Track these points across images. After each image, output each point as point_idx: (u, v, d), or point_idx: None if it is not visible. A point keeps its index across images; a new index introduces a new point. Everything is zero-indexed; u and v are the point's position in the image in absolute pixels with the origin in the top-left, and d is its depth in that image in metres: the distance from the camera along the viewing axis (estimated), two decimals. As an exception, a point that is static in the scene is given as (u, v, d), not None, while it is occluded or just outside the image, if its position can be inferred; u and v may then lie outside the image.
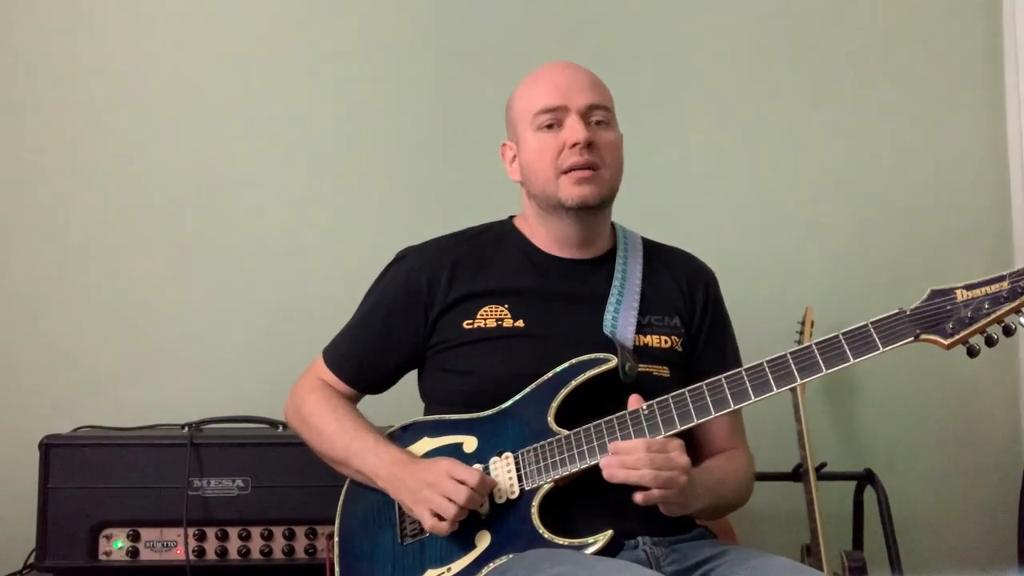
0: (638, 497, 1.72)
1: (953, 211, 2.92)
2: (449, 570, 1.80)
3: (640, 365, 1.87)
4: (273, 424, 2.47)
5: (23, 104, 2.83)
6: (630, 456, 1.71)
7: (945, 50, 2.96)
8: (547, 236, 2.00)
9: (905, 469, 2.83)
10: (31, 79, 2.83)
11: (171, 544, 2.29)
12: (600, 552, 1.71)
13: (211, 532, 2.30)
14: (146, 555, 2.29)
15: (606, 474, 1.72)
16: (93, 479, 2.29)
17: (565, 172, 1.91)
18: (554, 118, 1.92)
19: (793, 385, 1.73)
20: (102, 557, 2.28)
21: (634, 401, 1.79)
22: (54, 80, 2.83)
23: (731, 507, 2.00)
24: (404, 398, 2.09)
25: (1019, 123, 2.87)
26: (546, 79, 1.96)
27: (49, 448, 2.29)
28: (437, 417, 1.95)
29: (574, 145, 1.89)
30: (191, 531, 2.28)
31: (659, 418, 1.77)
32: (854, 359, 1.69)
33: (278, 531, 2.31)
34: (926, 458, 2.88)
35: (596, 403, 1.81)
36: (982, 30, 2.95)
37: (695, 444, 1.96)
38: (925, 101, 2.95)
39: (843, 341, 1.70)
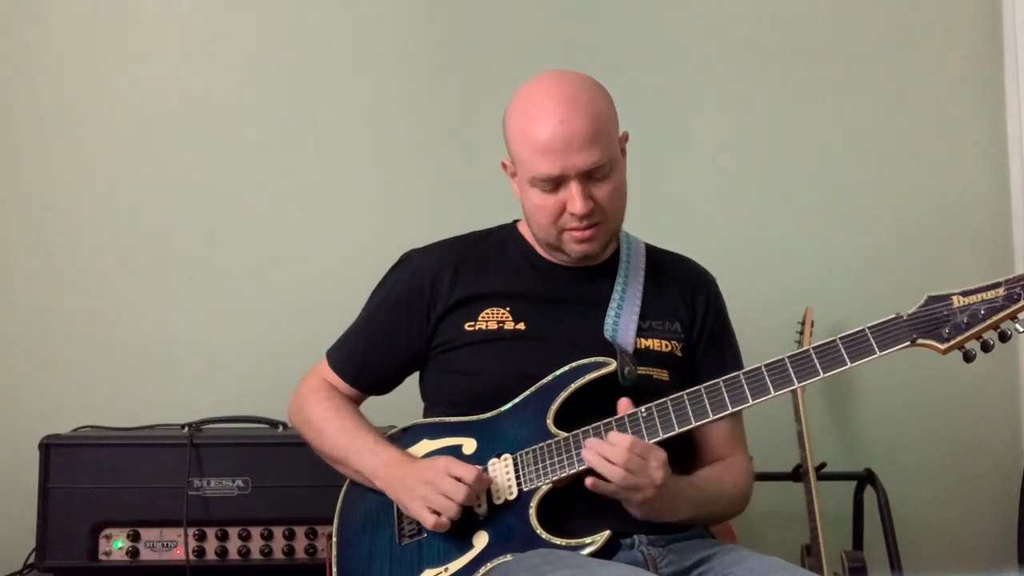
0: (588, 481, 1.73)
1: (953, 211, 2.92)
2: (447, 570, 1.80)
3: (640, 368, 1.87)
4: (273, 424, 2.47)
5: (24, 103, 2.83)
6: (611, 447, 1.72)
7: (945, 50, 2.96)
8: (549, 251, 2.00)
9: (905, 469, 2.83)
10: (32, 79, 2.83)
11: (171, 544, 2.29)
12: (597, 552, 1.72)
13: (211, 532, 2.30)
14: (146, 555, 2.29)
15: (583, 454, 1.74)
16: (93, 479, 2.29)
17: (568, 230, 1.90)
18: (555, 183, 1.86)
19: (791, 389, 1.74)
20: (102, 557, 2.28)
21: (623, 405, 1.79)
22: (54, 79, 2.84)
23: (722, 518, 2.00)
24: (405, 398, 2.09)
25: (1019, 123, 2.87)
26: (541, 135, 1.82)
27: (49, 448, 2.29)
28: (437, 419, 1.95)
29: (574, 214, 1.86)
30: (191, 531, 2.28)
31: (657, 421, 1.77)
32: (851, 363, 1.71)
33: (278, 531, 2.31)
34: (926, 458, 2.88)
35: (596, 406, 1.81)
36: (982, 30, 2.95)
37: (694, 448, 1.96)
38: (925, 101, 2.95)
39: (840, 345, 1.71)
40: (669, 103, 2.91)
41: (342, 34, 2.91)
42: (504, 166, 2.01)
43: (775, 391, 1.73)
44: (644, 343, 1.92)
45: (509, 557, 1.75)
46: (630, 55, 2.89)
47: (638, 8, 2.94)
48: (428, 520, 1.79)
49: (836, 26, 2.97)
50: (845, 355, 1.71)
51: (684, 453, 1.91)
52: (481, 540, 1.80)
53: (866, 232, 2.92)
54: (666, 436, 1.76)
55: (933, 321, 1.69)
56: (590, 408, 1.81)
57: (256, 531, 2.31)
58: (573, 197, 1.84)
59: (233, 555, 2.30)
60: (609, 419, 1.79)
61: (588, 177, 1.85)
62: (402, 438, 1.96)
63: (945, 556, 2.85)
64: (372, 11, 2.91)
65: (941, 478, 2.89)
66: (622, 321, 1.92)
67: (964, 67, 2.96)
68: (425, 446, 1.92)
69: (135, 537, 2.29)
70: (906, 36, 2.97)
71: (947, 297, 1.70)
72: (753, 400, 1.74)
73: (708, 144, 2.94)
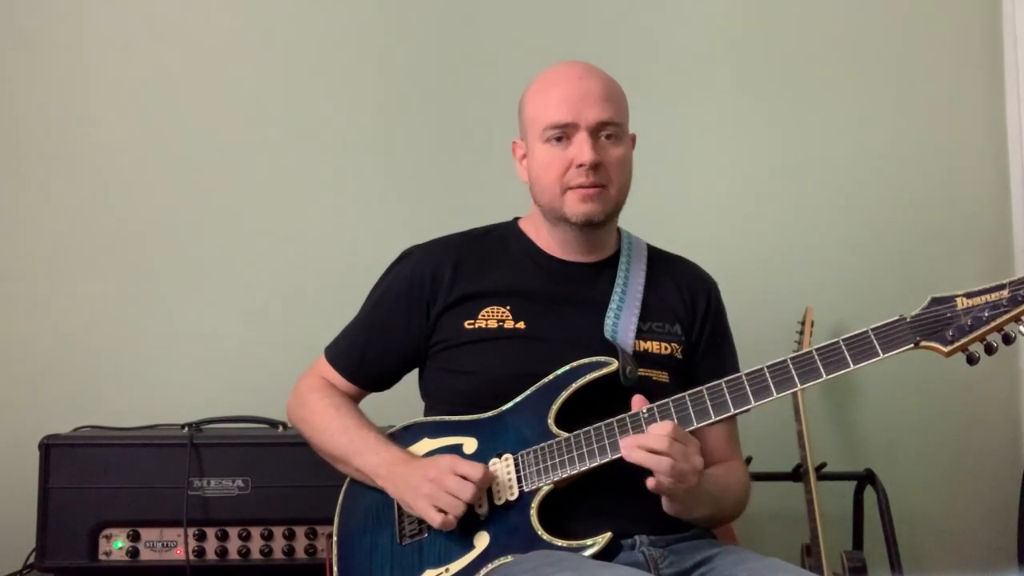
0: (651, 483, 1.71)
1: (953, 211, 2.92)
2: (447, 570, 1.80)
3: (640, 369, 1.87)
4: (273, 424, 2.47)
5: (27, 101, 2.83)
6: (653, 437, 1.70)
7: (945, 50, 2.96)
8: (552, 240, 2.00)
9: (905, 469, 2.83)
10: (35, 78, 2.83)
11: (171, 544, 2.29)
12: (598, 553, 1.72)
13: (211, 532, 2.30)
14: (146, 555, 2.29)
15: (624, 452, 1.72)
16: (93, 479, 2.29)
17: (572, 188, 1.90)
18: (563, 133, 1.90)
19: (793, 390, 1.74)
20: (102, 557, 2.28)
21: (637, 402, 1.78)
22: (58, 79, 2.83)
23: (728, 519, 2.00)
24: (405, 398, 2.09)
25: (1019, 123, 2.87)
26: (558, 89, 1.92)
27: (49, 448, 2.29)
28: (438, 418, 1.95)
29: (580, 165, 1.89)
30: (191, 531, 2.28)
31: (658, 421, 1.76)
32: (854, 365, 1.70)
33: (278, 531, 2.31)
34: (926, 458, 2.88)
35: (596, 406, 1.81)
36: (982, 29, 2.95)
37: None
38: (925, 100, 2.95)
39: (843, 347, 1.71)
40: (669, 104, 2.90)
41: (345, 34, 2.90)
42: (514, 148, 2.01)
43: (778, 393, 1.73)
44: (643, 345, 1.92)
45: (510, 558, 1.75)
46: (631, 55, 2.89)
47: (639, 9, 2.94)
48: (435, 519, 1.78)
49: (836, 26, 2.97)
50: (848, 357, 1.70)
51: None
52: (482, 540, 1.80)
53: (866, 232, 2.92)
54: None
55: (937, 323, 1.68)
56: (591, 407, 1.81)
57: (256, 531, 2.31)
58: (581, 146, 1.88)
59: (233, 555, 2.30)
60: (611, 419, 1.78)
61: (597, 135, 1.89)
62: (403, 437, 1.96)
63: (945, 556, 2.85)
64: (376, 10, 2.91)
65: (941, 478, 2.89)
66: (622, 321, 1.92)
67: (964, 67, 2.96)
68: (425, 445, 1.92)
69: (135, 537, 2.29)
70: (906, 37, 2.97)
71: (951, 299, 1.69)
72: (756, 401, 1.74)
73: (709, 144, 2.94)
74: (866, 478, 2.70)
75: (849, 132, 2.95)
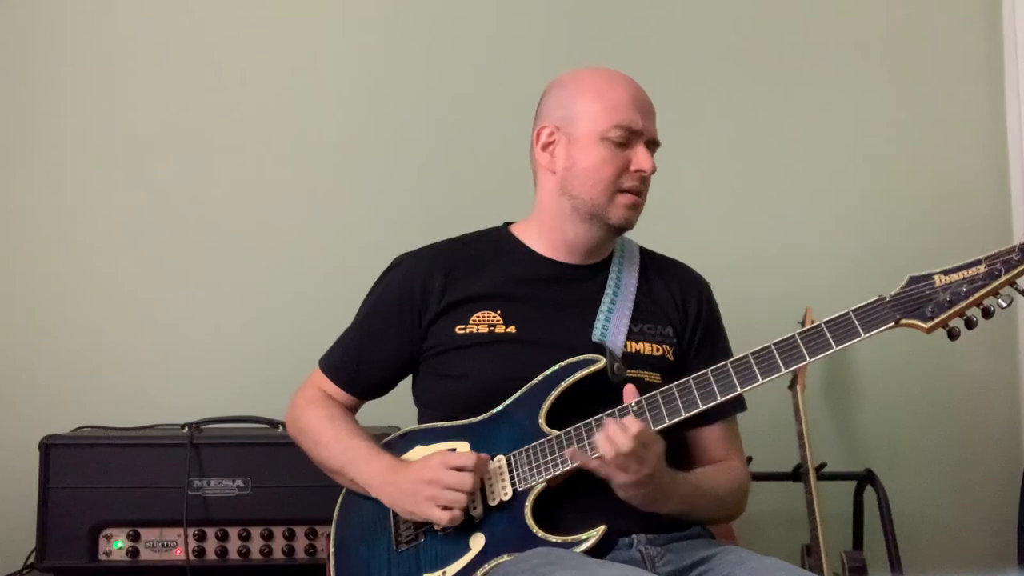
0: (568, 451, 1.75)
1: (953, 211, 2.92)
2: (445, 573, 1.80)
3: (631, 371, 1.87)
4: (273, 424, 2.47)
5: (27, 99, 2.83)
6: (622, 431, 1.71)
7: (945, 50, 2.97)
8: (558, 239, 1.99)
9: (905, 469, 2.84)
10: (35, 76, 2.83)
11: (171, 544, 2.30)
12: (593, 547, 1.72)
13: (211, 532, 2.30)
14: (146, 555, 2.29)
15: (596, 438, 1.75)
16: (93, 479, 2.30)
17: (623, 192, 1.92)
18: (628, 138, 1.91)
19: (779, 375, 1.74)
20: (102, 557, 2.28)
21: (629, 392, 1.79)
22: (59, 77, 2.84)
23: (716, 519, 1.99)
24: (403, 401, 2.09)
25: (1019, 123, 2.88)
26: (626, 93, 1.93)
27: (49, 448, 2.30)
28: (430, 425, 1.95)
29: (639, 171, 1.91)
30: (191, 531, 2.28)
31: (647, 414, 1.77)
32: (837, 346, 1.71)
33: (278, 531, 2.32)
34: (926, 458, 2.88)
35: (587, 405, 1.81)
36: (982, 30, 2.95)
37: (689, 451, 1.97)
38: (925, 100, 2.96)
39: (825, 329, 1.72)
40: (668, 103, 2.88)
41: (344, 38, 2.91)
42: (538, 134, 1.98)
43: (763, 378, 1.73)
44: (635, 346, 1.92)
45: (507, 557, 1.75)
46: (630, 55, 2.88)
47: (636, 9, 2.94)
48: (442, 517, 1.78)
49: (836, 26, 2.97)
50: (830, 339, 1.71)
51: (680, 456, 1.91)
52: (478, 542, 1.80)
53: (866, 232, 2.92)
54: (657, 429, 1.76)
55: (916, 301, 1.69)
56: (582, 407, 1.81)
57: (256, 531, 2.31)
58: (643, 154, 1.92)
59: (233, 555, 2.31)
60: (600, 414, 1.79)
61: (651, 149, 1.95)
62: (397, 445, 1.97)
63: (945, 556, 2.85)
64: (376, 14, 2.91)
65: (941, 478, 2.89)
66: (612, 323, 1.92)
67: (964, 66, 2.97)
68: (419, 452, 1.92)
69: (135, 537, 2.29)
70: (906, 35, 2.98)
71: (929, 277, 1.71)
72: (742, 388, 1.74)
73: (708, 144, 2.94)
74: (866, 478, 2.70)
75: (849, 133, 2.95)
